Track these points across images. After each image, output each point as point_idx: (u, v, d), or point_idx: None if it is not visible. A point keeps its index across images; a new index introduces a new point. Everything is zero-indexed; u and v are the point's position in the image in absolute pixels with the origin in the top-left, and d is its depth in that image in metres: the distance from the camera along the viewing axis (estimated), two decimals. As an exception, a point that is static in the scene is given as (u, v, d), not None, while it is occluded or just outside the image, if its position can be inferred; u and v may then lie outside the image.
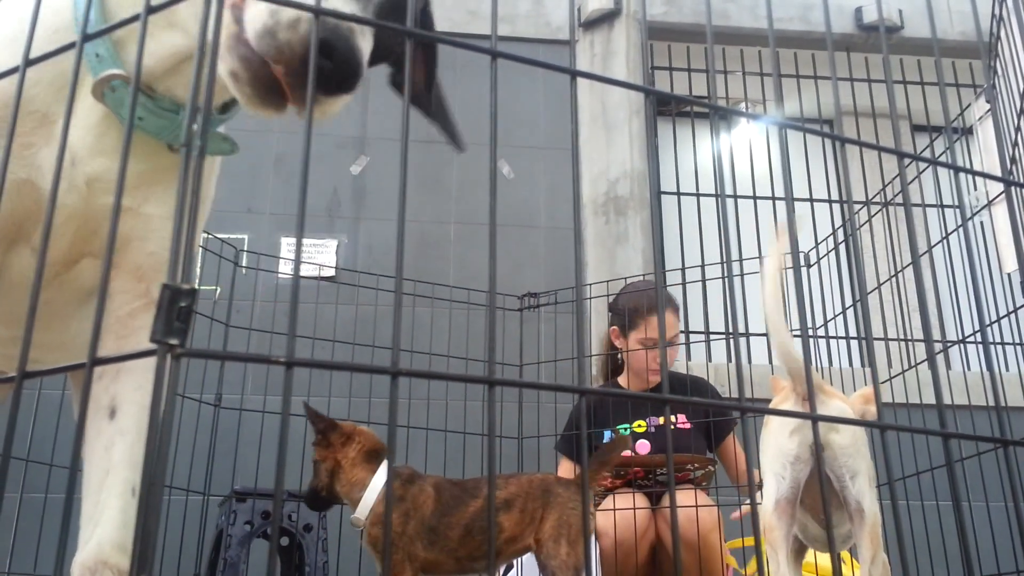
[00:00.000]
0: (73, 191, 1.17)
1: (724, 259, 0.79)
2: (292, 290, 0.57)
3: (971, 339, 3.21)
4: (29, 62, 0.70)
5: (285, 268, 3.88)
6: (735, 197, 4.40)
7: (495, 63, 0.67)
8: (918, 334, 3.85)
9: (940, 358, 4.16)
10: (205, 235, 3.28)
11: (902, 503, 2.99)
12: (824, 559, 2.54)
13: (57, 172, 0.66)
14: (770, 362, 3.71)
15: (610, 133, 4.44)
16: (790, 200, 0.81)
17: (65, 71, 1.15)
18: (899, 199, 3.51)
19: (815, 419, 0.74)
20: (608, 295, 3.58)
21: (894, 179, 3.22)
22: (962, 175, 0.89)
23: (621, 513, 2.61)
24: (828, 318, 3.50)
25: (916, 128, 4.90)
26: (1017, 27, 3.07)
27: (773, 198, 4.38)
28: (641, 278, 3.42)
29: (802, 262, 3.48)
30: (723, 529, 2.61)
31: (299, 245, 0.57)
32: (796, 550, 1.92)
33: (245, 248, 3.73)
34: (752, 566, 2.69)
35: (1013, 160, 3.13)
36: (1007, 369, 4.01)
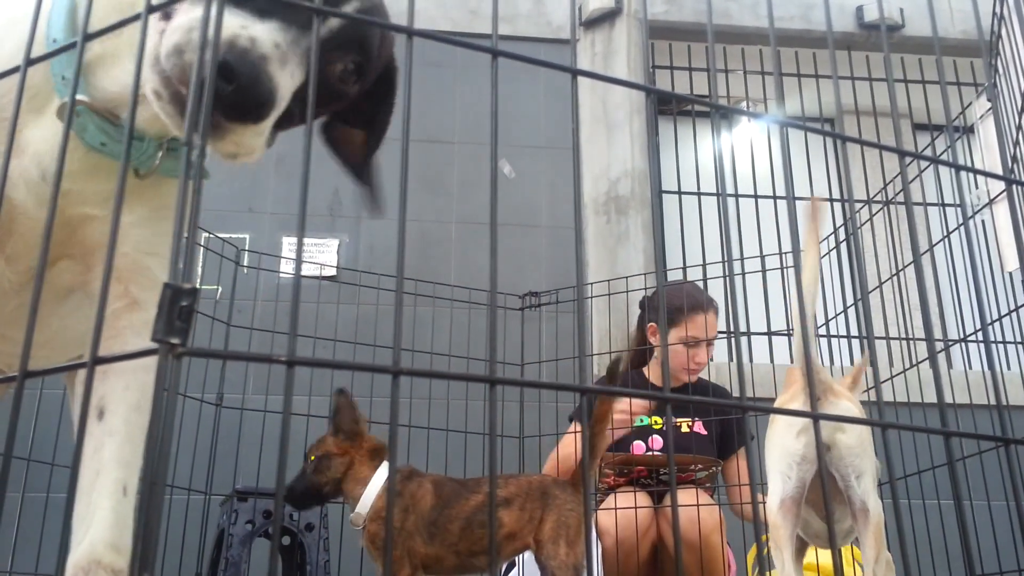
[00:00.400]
0: (44, 204, 1.19)
1: (725, 258, 0.79)
2: (293, 289, 0.57)
3: (972, 338, 3.21)
4: (30, 62, 0.70)
5: (286, 268, 3.88)
6: (736, 196, 4.39)
7: (496, 62, 0.67)
8: (919, 333, 3.85)
9: (941, 357, 4.16)
10: (207, 234, 3.29)
11: (903, 502, 2.99)
12: (825, 557, 2.54)
13: (57, 178, 0.66)
14: (771, 361, 3.71)
15: (611, 132, 4.44)
16: (791, 199, 0.81)
17: (35, 83, 1.16)
18: (900, 198, 3.51)
19: (816, 418, 0.74)
20: (609, 294, 3.59)
21: (895, 178, 3.21)
22: (963, 174, 0.89)
23: (623, 512, 2.61)
24: (829, 317, 3.49)
25: (917, 127, 4.89)
26: (1018, 25, 3.07)
27: (774, 197, 4.37)
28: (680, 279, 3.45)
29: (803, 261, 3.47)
30: (724, 529, 2.62)
31: (300, 244, 0.57)
32: (797, 548, 1.92)
33: (246, 248, 3.73)
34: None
35: (1014, 158, 3.13)
36: (1008, 368, 4.01)
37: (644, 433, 2.98)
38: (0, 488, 0.60)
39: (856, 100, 4.74)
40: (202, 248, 3.32)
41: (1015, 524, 0.77)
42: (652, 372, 3.16)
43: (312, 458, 2.20)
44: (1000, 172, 0.94)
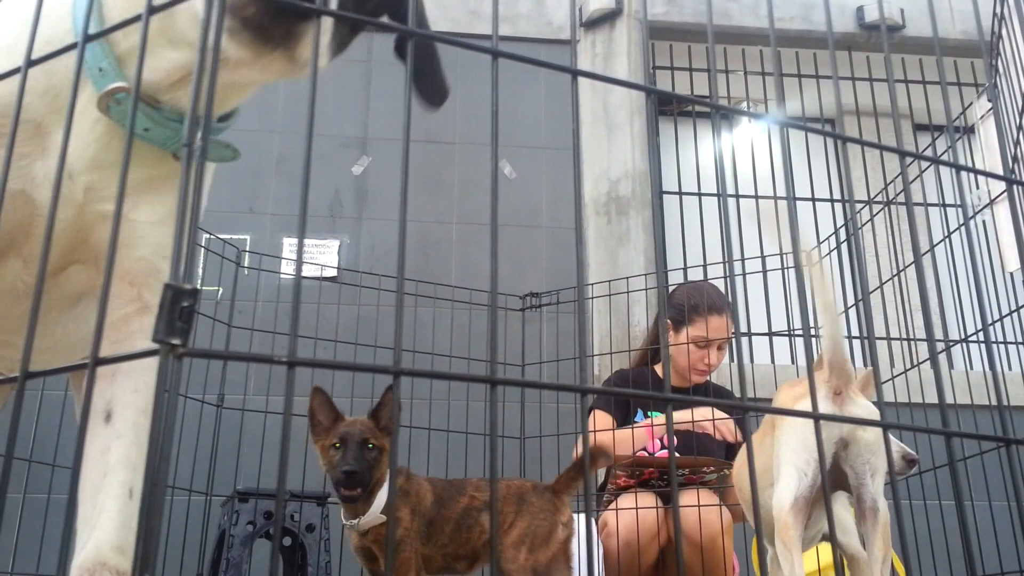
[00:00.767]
0: (69, 204, 1.18)
1: (726, 259, 0.79)
2: (294, 290, 0.57)
3: (973, 338, 3.21)
4: (31, 63, 0.70)
5: (287, 268, 3.88)
6: (737, 196, 4.39)
7: (496, 62, 0.67)
8: (920, 333, 3.85)
9: (942, 357, 4.15)
10: (208, 236, 3.29)
11: (904, 502, 2.99)
12: (824, 556, 2.54)
13: (57, 184, 0.66)
14: (772, 362, 3.71)
15: (611, 133, 4.44)
16: (792, 199, 0.81)
17: (58, 82, 1.16)
18: (901, 198, 3.51)
19: (817, 418, 0.74)
20: (610, 295, 3.59)
21: (896, 178, 3.21)
22: (964, 174, 0.89)
23: (631, 513, 2.61)
24: (830, 317, 3.49)
25: (918, 127, 4.89)
26: (1018, 25, 3.06)
27: (775, 197, 4.35)
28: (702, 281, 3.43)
29: (804, 261, 3.47)
30: (729, 532, 2.61)
31: (301, 245, 0.57)
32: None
33: (247, 248, 3.73)
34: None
35: (1015, 159, 3.13)
36: (1009, 368, 4.00)
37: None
38: (1, 489, 0.60)
39: (857, 100, 4.74)
40: (203, 249, 3.32)
41: (1016, 524, 0.77)
42: (662, 370, 3.16)
43: (370, 446, 2.08)
44: (1001, 172, 0.94)
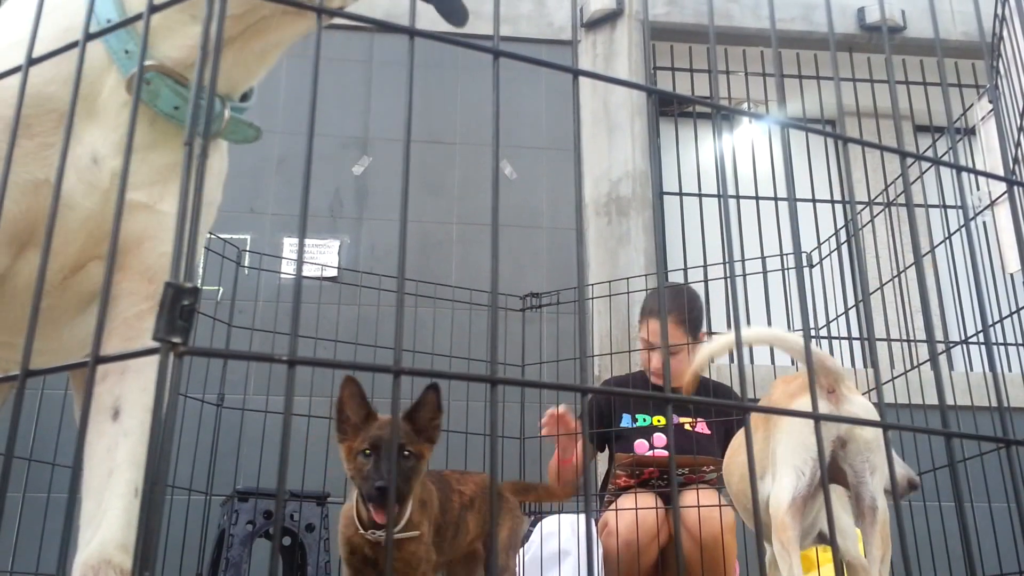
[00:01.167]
0: (94, 192, 1.15)
1: (726, 259, 0.79)
2: (295, 290, 0.57)
3: (974, 339, 3.21)
4: (32, 61, 0.70)
5: (287, 268, 3.88)
6: (737, 197, 4.39)
7: (497, 62, 0.67)
8: (920, 334, 3.85)
9: (943, 358, 4.15)
10: (208, 236, 3.28)
11: (905, 503, 2.99)
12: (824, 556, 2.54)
13: (58, 180, 0.66)
14: (772, 363, 3.71)
15: (612, 133, 4.44)
16: (792, 200, 0.81)
17: (84, 69, 1.14)
18: (902, 199, 3.50)
19: (818, 419, 0.74)
20: (610, 295, 3.59)
21: (896, 179, 3.21)
22: (964, 175, 0.89)
23: (632, 513, 2.61)
24: (830, 318, 3.49)
25: (919, 128, 4.89)
26: (1019, 27, 3.06)
27: (775, 198, 4.37)
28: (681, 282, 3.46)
29: (804, 262, 3.48)
30: (732, 530, 2.61)
31: (301, 245, 0.57)
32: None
33: (248, 248, 3.73)
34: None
35: (1016, 160, 3.12)
36: (1010, 370, 4.00)
37: (647, 432, 2.98)
38: (1, 488, 0.60)
39: (857, 102, 4.74)
40: (204, 249, 3.32)
41: (1016, 525, 0.77)
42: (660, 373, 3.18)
43: (406, 453, 1.84)
44: (1002, 173, 0.94)
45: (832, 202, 4.67)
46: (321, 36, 0.64)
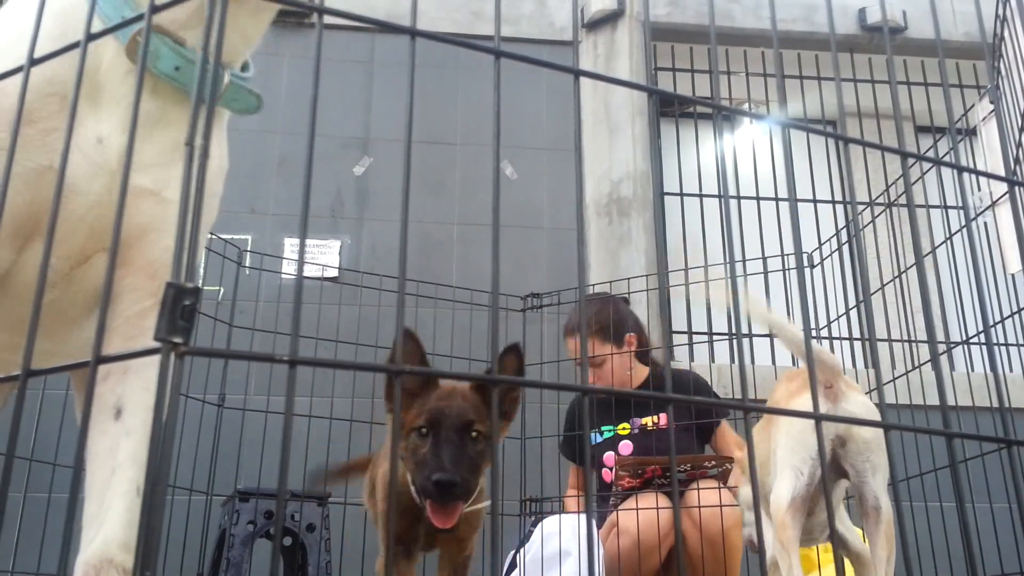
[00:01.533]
0: (101, 174, 1.12)
1: (727, 260, 0.79)
2: (295, 290, 0.57)
3: (975, 340, 3.21)
4: (34, 61, 0.70)
5: (288, 269, 3.89)
6: (738, 198, 4.39)
7: (498, 62, 0.67)
8: (922, 335, 3.85)
9: (944, 359, 4.15)
10: (209, 236, 3.28)
11: (906, 504, 2.99)
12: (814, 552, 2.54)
13: (59, 188, 0.66)
14: (773, 363, 3.70)
15: (613, 134, 4.44)
16: (793, 201, 0.81)
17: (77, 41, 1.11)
18: (903, 200, 3.50)
19: (819, 418, 0.74)
20: (611, 296, 3.58)
21: (898, 180, 3.21)
22: (966, 175, 0.89)
23: (641, 513, 2.61)
24: (831, 319, 3.49)
25: (920, 129, 4.89)
26: (1020, 27, 3.06)
27: (776, 199, 4.37)
28: (594, 289, 3.54)
29: (805, 263, 3.48)
30: (738, 526, 2.62)
31: (302, 246, 0.57)
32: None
33: (248, 249, 3.73)
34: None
35: (1017, 160, 3.12)
36: (1011, 370, 4.00)
37: (613, 443, 2.99)
38: (2, 488, 0.60)
39: (858, 102, 4.74)
40: (205, 249, 3.32)
41: (1017, 526, 0.77)
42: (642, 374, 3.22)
43: (473, 434, 1.50)
44: (1003, 174, 0.94)
45: (833, 202, 4.66)
46: (322, 36, 0.64)
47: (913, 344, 3.62)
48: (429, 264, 4.04)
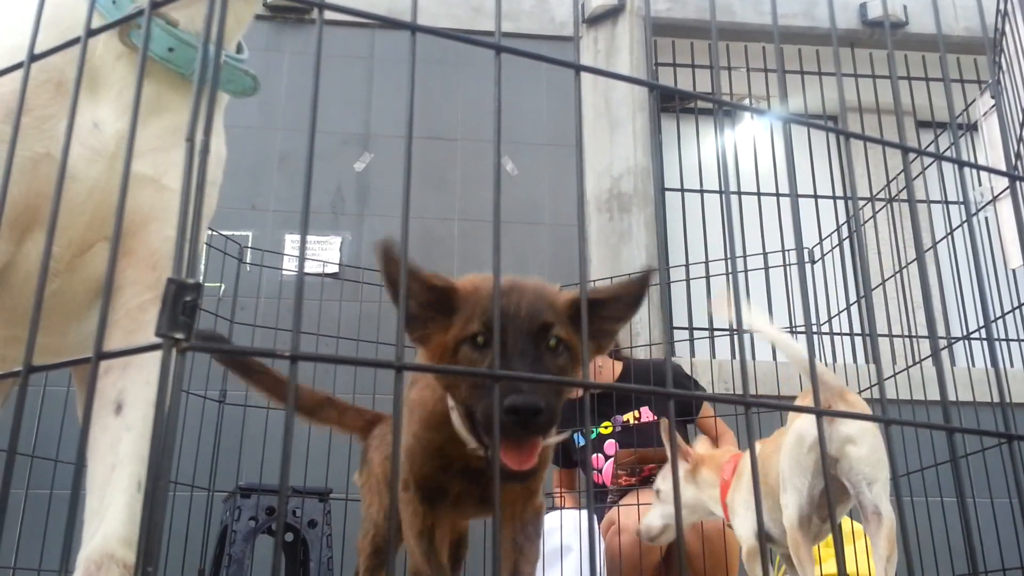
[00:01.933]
0: (99, 159, 1.10)
1: (728, 255, 0.79)
2: (296, 286, 0.57)
3: (976, 335, 3.20)
4: (35, 58, 0.70)
5: (289, 265, 3.89)
6: (739, 193, 4.39)
7: (499, 58, 0.67)
8: (922, 330, 3.85)
9: (944, 354, 4.15)
10: (209, 232, 3.29)
11: (907, 499, 2.99)
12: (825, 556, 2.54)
13: (62, 169, 0.66)
14: (774, 359, 3.71)
15: (614, 129, 4.44)
16: (794, 196, 0.81)
17: (73, 27, 1.04)
18: (903, 195, 3.50)
19: (819, 414, 0.74)
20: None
21: (899, 175, 3.21)
22: (967, 170, 0.88)
23: (643, 510, 2.62)
24: (832, 314, 3.49)
25: (921, 124, 4.89)
26: (1021, 22, 3.06)
27: (777, 194, 4.37)
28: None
29: (806, 258, 3.47)
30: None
31: (303, 242, 0.57)
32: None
33: (249, 245, 3.73)
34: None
35: (1018, 155, 3.12)
36: (1012, 365, 4.00)
37: (598, 444, 2.99)
38: (4, 484, 0.60)
39: (859, 97, 4.74)
40: (205, 245, 3.32)
41: (1018, 521, 0.78)
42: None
43: (552, 341, 1.11)
44: (1004, 168, 0.94)
45: (834, 198, 4.66)
46: (322, 32, 0.64)
47: (914, 339, 3.62)
48: (430, 260, 4.04)
